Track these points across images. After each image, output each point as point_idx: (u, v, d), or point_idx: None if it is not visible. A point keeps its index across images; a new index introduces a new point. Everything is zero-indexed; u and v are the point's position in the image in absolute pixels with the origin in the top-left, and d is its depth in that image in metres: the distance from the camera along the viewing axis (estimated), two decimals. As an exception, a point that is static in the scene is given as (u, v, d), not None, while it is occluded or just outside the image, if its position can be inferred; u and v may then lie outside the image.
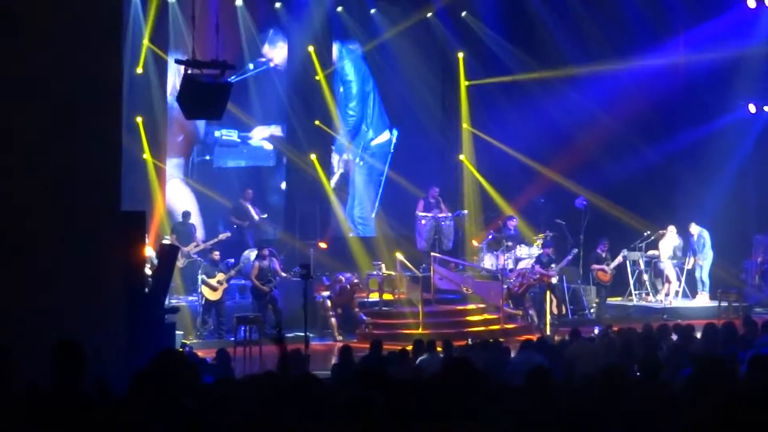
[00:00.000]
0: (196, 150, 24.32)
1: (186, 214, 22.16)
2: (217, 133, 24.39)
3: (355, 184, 26.34)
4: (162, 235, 21.53)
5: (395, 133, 26.27)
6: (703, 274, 23.56)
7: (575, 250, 22.86)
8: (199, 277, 20.37)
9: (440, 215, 23.68)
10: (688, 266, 23.49)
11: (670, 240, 23.48)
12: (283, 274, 20.94)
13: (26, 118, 9.84)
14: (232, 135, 24.48)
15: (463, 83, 25.93)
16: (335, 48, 25.71)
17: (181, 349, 14.98)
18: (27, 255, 9.76)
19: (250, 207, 23.19)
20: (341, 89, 26.05)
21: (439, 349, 14.19)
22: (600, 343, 14.04)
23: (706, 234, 23.46)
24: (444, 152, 26.53)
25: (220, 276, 20.21)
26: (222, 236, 21.97)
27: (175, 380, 6.30)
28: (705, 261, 23.45)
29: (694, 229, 23.40)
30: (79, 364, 6.62)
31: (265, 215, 23.56)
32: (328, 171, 25.08)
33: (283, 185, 25.20)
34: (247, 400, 6.61)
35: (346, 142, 25.87)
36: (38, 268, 9.79)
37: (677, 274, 23.71)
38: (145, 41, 21.97)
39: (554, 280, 21.78)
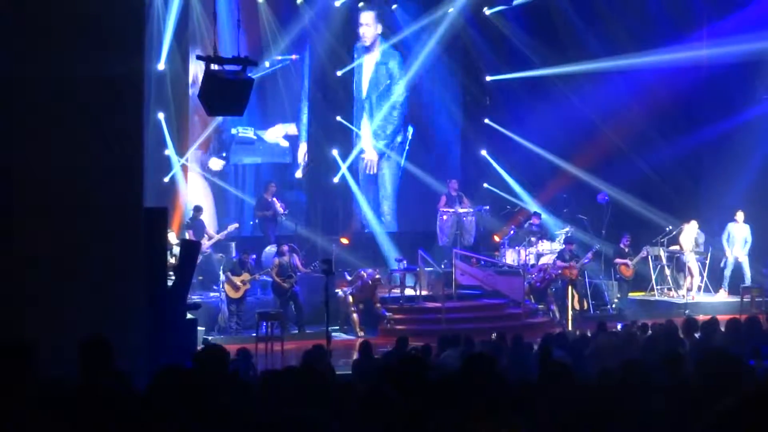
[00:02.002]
0: (212, 147, 24.25)
1: (197, 209, 22.09)
2: (233, 131, 24.31)
3: (383, 178, 26.26)
4: (184, 229, 21.60)
5: (410, 129, 26.13)
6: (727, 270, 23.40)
7: (596, 247, 22.80)
8: (224, 274, 20.39)
9: (461, 210, 23.68)
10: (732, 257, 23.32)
11: (689, 234, 23.35)
12: (304, 270, 21.02)
13: (48, 115, 9.90)
14: (249, 132, 24.38)
15: (487, 78, 25.95)
16: (357, 44, 25.73)
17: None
18: (50, 252, 9.81)
19: (275, 200, 23.17)
20: (365, 85, 25.99)
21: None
22: (623, 338, 14.02)
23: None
24: (466, 148, 26.51)
25: (245, 276, 20.23)
26: (231, 227, 21.97)
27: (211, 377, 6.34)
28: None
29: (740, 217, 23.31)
30: (106, 360, 6.66)
31: (287, 211, 23.59)
32: (351, 166, 25.06)
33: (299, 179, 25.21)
34: (267, 396, 6.63)
35: (369, 137, 25.77)
36: (62, 265, 9.84)
37: (699, 269, 23.63)
38: (167, 37, 22.04)
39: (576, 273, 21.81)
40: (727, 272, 23.43)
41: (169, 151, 22.14)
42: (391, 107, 25.92)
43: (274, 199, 23.11)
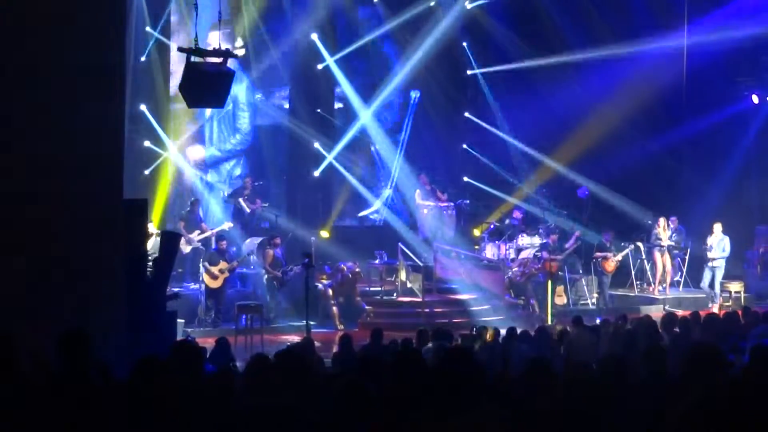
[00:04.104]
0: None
1: (194, 202, 22.14)
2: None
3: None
4: (165, 222, 21.55)
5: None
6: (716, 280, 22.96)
7: (577, 233, 22.76)
8: (202, 264, 20.39)
9: (442, 204, 23.68)
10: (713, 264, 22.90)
11: (667, 229, 23.34)
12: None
13: (28, 106, 9.85)
14: None
15: (468, 72, 25.93)
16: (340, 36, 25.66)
17: (182, 339, 15.00)
18: (30, 243, 9.77)
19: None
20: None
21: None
22: (603, 333, 14.06)
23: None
24: (448, 141, 26.51)
25: (223, 265, 20.20)
26: (225, 225, 21.95)
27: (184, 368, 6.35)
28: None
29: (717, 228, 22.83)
30: (85, 352, 6.65)
31: (267, 204, 23.57)
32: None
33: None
34: (247, 386, 6.64)
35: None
36: (41, 257, 9.80)
37: (678, 265, 23.68)
38: (148, 28, 22.00)
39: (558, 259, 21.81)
40: (705, 283, 23.07)
41: (165, 141, 22.15)
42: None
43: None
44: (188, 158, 24.09)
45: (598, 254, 22.85)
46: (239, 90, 24.70)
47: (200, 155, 24.67)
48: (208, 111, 23.88)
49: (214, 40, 23.21)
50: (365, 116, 25.24)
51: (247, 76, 24.70)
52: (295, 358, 6.44)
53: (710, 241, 22.71)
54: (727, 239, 22.58)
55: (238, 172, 25.26)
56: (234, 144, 25.17)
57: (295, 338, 16.78)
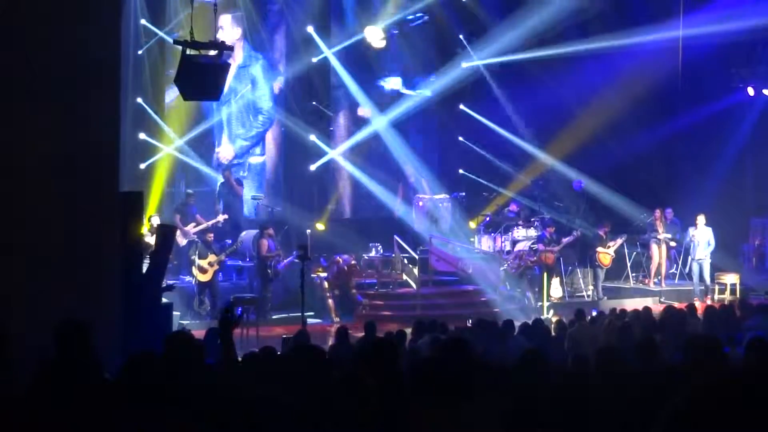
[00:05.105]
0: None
1: (188, 195, 22.17)
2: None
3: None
4: (159, 215, 21.54)
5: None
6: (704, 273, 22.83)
7: (576, 233, 22.77)
8: (192, 258, 20.39)
9: (437, 197, 23.68)
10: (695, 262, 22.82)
11: (663, 221, 23.30)
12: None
13: (25, 98, 9.82)
14: None
15: (464, 65, 25.89)
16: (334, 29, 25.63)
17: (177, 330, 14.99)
18: (25, 236, 9.75)
19: (234, 183, 23.22)
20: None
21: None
22: (599, 325, 14.07)
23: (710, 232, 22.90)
24: (442, 134, 26.48)
25: (212, 258, 20.17)
26: (221, 218, 21.94)
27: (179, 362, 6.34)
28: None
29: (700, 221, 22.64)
30: (84, 345, 6.64)
31: (262, 196, 23.57)
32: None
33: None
34: (245, 378, 6.63)
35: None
36: (36, 249, 9.77)
37: (674, 257, 23.66)
38: (143, 21, 21.98)
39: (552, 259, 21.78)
40: (694, 278, 22.91)
41: (169, 135, 22.23)
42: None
43: (234, 182, 23.27)
44: (219, 157, 24.35)
45: (600, 249, 22.74)
46: (256, 70, 24.74)
47: (230, 153, 24.63)
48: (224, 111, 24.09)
49: (226, 23, 23.50)
50: (380, 122, 25.26)
51: (261, 55, 24.75)
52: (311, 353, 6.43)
53: (693, 232, 22.67)
54: (710, 231, 22.54)
55: (257, 150, 25.29)
56: (258, 125, 25.06)
57: (291, 331, 16.77)
